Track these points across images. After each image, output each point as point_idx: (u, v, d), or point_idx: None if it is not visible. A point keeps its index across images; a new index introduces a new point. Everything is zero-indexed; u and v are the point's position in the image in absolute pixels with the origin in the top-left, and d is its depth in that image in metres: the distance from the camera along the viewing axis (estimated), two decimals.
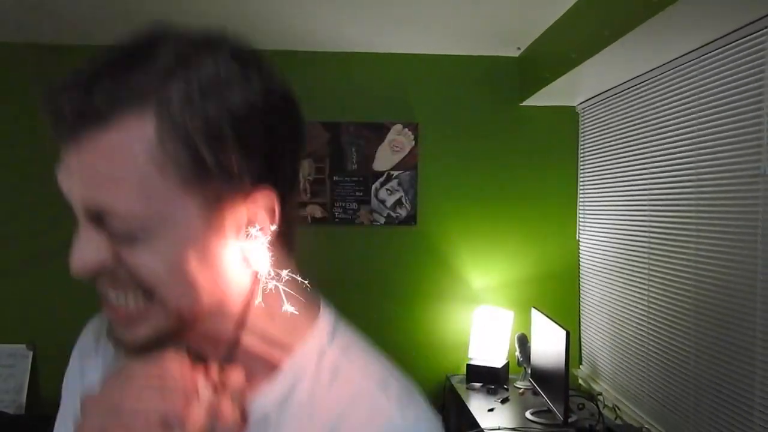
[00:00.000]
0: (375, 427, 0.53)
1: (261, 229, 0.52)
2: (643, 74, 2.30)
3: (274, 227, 0.52)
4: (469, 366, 2.78)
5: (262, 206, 0.52)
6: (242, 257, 0.53)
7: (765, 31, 1.65)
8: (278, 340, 0.57)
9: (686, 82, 2.04)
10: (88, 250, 0.51)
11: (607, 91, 2.63)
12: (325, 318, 0.60)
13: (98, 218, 0.50)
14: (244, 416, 0.55)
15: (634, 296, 2.41)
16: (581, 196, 2.97)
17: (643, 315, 2.33)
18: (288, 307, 0.55)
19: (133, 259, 0.50)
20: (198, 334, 0.55)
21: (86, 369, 0.74)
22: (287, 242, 0.56)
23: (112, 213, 0.49)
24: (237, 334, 0.55)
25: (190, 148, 0.48)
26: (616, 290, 2.58)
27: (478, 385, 2.72)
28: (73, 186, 0.52)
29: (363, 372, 0.57)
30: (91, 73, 0.49)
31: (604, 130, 2.71)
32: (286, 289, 0.55)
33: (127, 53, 0.51)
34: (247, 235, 0.52)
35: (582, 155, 2.96)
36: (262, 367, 0.57)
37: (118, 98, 0.47)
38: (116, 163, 0.48)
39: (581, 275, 2.98)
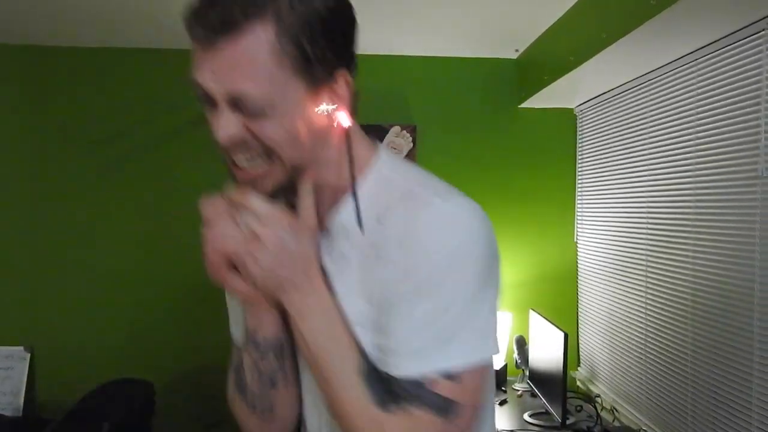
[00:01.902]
0: (421, 213, 0.71)
1: (343, 99, 0.75)
2: (641, 76, 2.31)
3: (349, 97, 0.75)
4: None
5: (343, 83, 0.73)
6: (332, 120, 0.75)
7: (762, 33, 1.65)
8: (353, 173, 0.78)
9: (684, 85, 2.04)
10: (230, 126, 0.68)
11: (605, 93, 2.64)
12: (382, 154, 0.83)
13: (235, 102, 0.66)
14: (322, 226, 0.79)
15: (632, 298, 2.41)
16: (579, 198, 2.97)
17: (641, 317, 2.34)
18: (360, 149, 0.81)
19: (261, 130, 0.68)
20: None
21: None
22: (354, 107, 0.79)
23: (249, 97, 0.66)
24: (329, 175, 0.78)
25: (297, 44, 0.66)
26: (614, 292, 2.58)
27: None
28: (215, 80, 0.66)
29: (411, 181, 0.77)
30: None
31: (602, 132, 2.72)
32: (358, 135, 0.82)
33: None
34: (335, 104, 0.74)
35: (580, 157, 2.97)
36: (342, 193, 0.78)
37: (248, 11, 0.64)
38: (250, 59, 0.65)
39: (579, 277, 2.98)
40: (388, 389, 0.71)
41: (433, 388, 0.69)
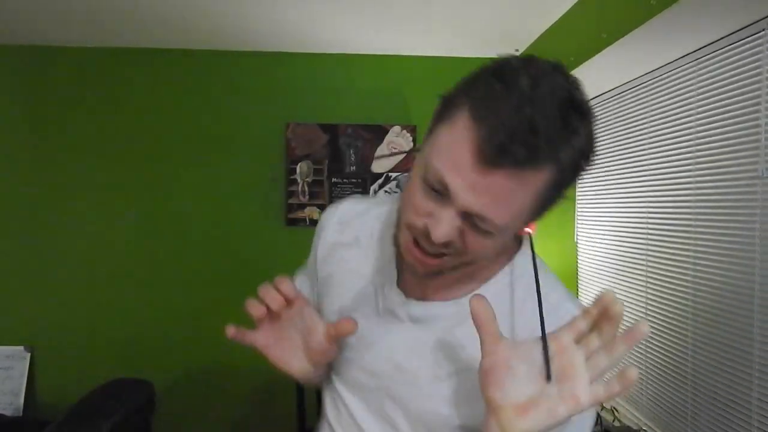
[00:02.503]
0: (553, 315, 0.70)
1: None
2: (641, 76, 2.31)
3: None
4: None
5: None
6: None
7: (762, 33, 1.65)
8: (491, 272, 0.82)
9: (684, 85, 2.04)
10: (449, 229, 0.67)
11: (605, 93, 2.64)
12: (519, 259, 0.82)
13: (471, 216, 0.66)
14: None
15: (632, 298, 2.41)
16: (579, 198, 2.97)
17: (641, 316, 2.33)
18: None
19: (476, 242, 0.69)
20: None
21: (343, 252, 0.93)
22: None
23: (489, 221, 0.66)
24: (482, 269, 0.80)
25: (559, 194, 0.68)
26: (614, 292, 2.58)
27: None
28: (471, 195, 0.65)
29: (542, 287, 0.75)
30: (538, 121, 0.61)
31: (602, 132, 2.72)
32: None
33: (561, 117, 0.63)
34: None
35: None
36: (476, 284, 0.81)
37: (539, 157, 0.62)
38: (516, 196, 0.64)
39: (579, 277, 2.98)
40: None
41: None
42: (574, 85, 0.66)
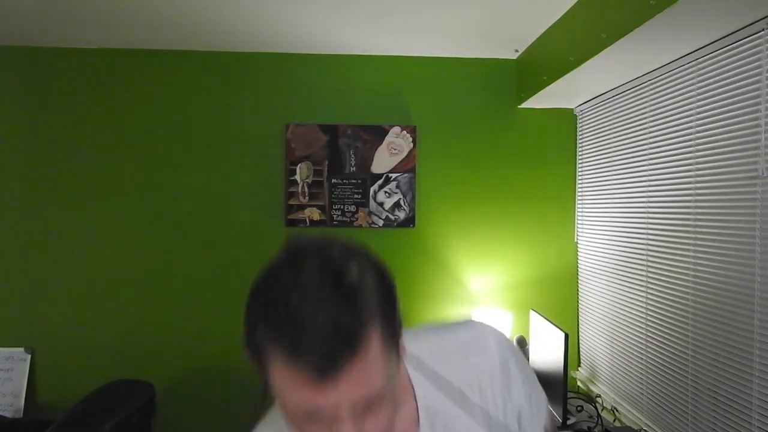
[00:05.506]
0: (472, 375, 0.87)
1: (404, 349, 0.78)
2: (641, 76, 2.31)
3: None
4: None
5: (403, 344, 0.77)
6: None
7: (761, 34, 1.65)
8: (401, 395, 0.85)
9: (684, 85, 2.04)
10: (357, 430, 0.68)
11: (604, 93, 2.64)
12: (403, 365, 0.85)
13: (360, 410, 0.67)
14: None
15: (633, 298, 2.41)
16: (579, 198, 2.97)
17: (642, 317, 2.33)
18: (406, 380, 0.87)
19: (379, 420, 0.70)
20: None
21: None
22: None
23: (379, 398, 0.68)
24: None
25: (393, 326, 0.71)
26: (614, 292, 2.58)
27: None
28: (337, 405, 0.66)
29: (440, 356, 0.88)
30: (329, 323, 0.64)
31: (602, 132, 2.72)
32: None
33: (336, 293, 0.66)
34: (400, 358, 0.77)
35: (580, 158, 2.97)
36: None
37: (360, 330, 0.65)
38: (373, 370, 0.67)
39: (579, 277, 2.98)
40: None
41: None
42: (340, 259, 0.69)
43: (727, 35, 1.78)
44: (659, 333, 2.21)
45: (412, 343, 0.86)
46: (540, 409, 0.95)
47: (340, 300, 0.65)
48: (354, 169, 2.87)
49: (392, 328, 0.71)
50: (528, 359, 2.72)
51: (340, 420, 0.67)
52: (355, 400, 0.66)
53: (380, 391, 0.68)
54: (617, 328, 2.56)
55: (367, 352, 0.66)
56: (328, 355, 0.63)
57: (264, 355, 0.67)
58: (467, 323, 0.93)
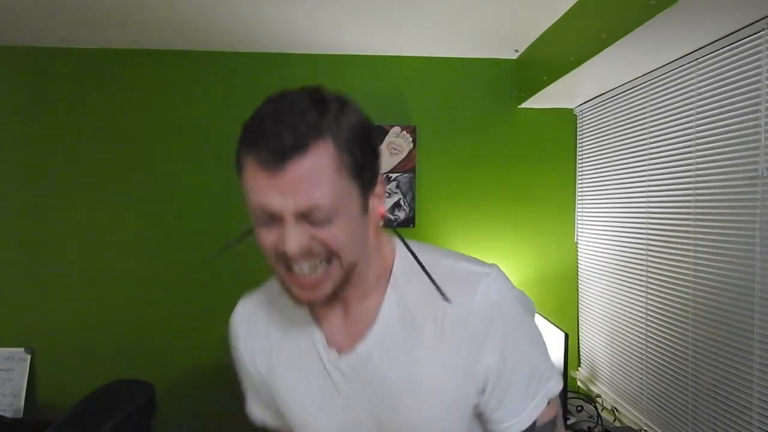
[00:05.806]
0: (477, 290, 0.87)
1: (382, 198, 0.85)
2: (641, 77, 2.31)
3: (384, 198, 0.86)
4: None
5: (381, 187, 0.84)
6: (376, 219, 0.85)
7: (761, 33, 1.65)
8: (382, 268, 0.90)
9: (684, 85, 2.04)
10: (299, 237, 0.75)
11: (605, 93, 2.64)
12: (398, 241, 0.94)
13: (303, 215, 0.74)
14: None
15: (633, 298, 2.41)
16: (579, 198, 2.97)
17: (642, 317, 2.34)
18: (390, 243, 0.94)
19: (327, 235, 0.76)
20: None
21: (266, 350, 0.98)
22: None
23: (319, 207, 0.73)
24: (369, 269, 0.88)
25: (351, 153, 0.75)
26: (614, 292, 2.58)
27: None
28: (282, 199, 0.73)
29: (441, 261, 0.91)
30: (287, 119, 0.73)
31: (602, 132, 2.72)
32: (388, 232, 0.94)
33: (308, 105, 0.75)
34: (376, 204, 0.84)
35: (580, 158, 2.97)
36: (370, 283, 0.89)
37: (313, 134, 0.73)
38: (318, 174, 0.73)
39: (579, 277, 2.98)
40: None
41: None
42: (318, 90, 0.78)
43: (727, 35, 1.78)
44: (659, 333, 2.21)
45: (423, 251, 0.91)
46: (529, 396, 0.90)
47: (306, 112, 0.74)
48: None
49: (356, 165, 0.76)
50: None
51: (286, 223, 0.74)
52: (298, 202, 0.73)
53: (325, 204, 0.73)
54: (617, 328, 2.56)
55: (315, 157, 0.72)
56: (277, 148, 0.71)
57: (242, 163, 0.76)
58: (489, 265, 0.91)
